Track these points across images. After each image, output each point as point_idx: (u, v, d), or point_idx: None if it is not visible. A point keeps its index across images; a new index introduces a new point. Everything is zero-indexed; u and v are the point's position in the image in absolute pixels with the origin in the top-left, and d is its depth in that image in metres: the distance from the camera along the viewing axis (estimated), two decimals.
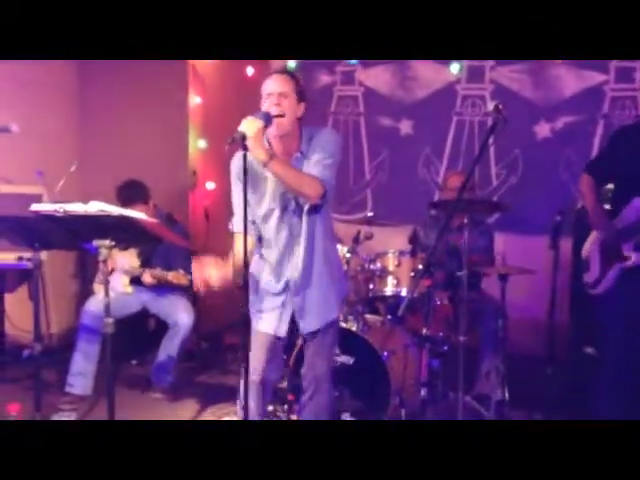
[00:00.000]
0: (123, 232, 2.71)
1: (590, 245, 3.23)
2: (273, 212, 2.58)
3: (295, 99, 2.50)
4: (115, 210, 2.62)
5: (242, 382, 2.46)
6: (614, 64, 4.89)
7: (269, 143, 2.52)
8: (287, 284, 2.64)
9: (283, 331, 2.68)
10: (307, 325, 2.67)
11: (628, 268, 2.98)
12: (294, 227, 2.58)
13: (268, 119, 2.40)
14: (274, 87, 2.48)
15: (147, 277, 3.89)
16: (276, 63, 5.73)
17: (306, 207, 2.55)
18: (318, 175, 2.46)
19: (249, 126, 2.31)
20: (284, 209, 2.57)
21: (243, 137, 2.29)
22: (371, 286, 3.79)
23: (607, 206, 3.20)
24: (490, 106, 2.57)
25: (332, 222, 2.76)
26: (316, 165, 2.48)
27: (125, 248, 3.99)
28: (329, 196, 2.54)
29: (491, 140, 2.59)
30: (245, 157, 2.30)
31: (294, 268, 2.61)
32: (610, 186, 3.22)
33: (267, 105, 2.47)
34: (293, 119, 2.51)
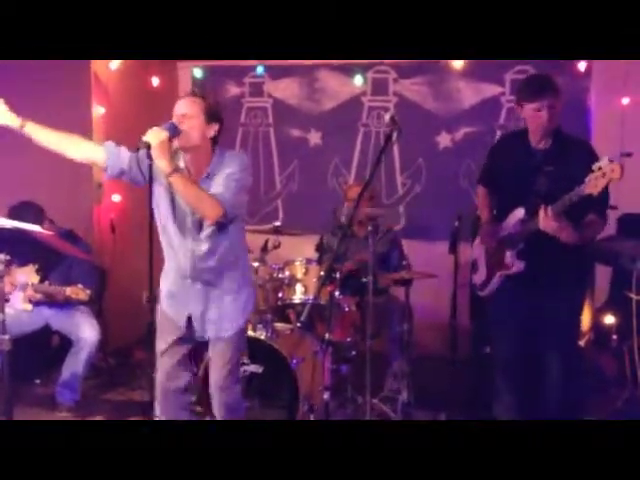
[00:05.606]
0: (18, 245, 2.65)
1: (477, 247, 3.27)
2: (184, 218, 2.62)
3: (203, 120, 2.54)
4: (9, 222, 2.56)
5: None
6: (509, 76, 5.13)
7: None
8: (183, 288, 2.69)
9: None
10: (202, 332, 2.74)
11: (510, 276, 2.99)
12: (195, 236, 2.61)
13: (174, 130, 2.45)
14: (178, 109, 2.56)
15: (29, 291, 3.73)
16: (181, 72, 5.77)
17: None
18: (220, 196, 2.48)
19: (154, 136, 2.37)
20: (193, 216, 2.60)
21: (148, 146, 2.35)
22: (280, 294, 3.83)
23: None
24: (386, 117, 2.67)
25: (243, 237, 2.80)
26: (220, 186, 2.52)
27: (24, 264, 3.86)
28: (239, 214, 2.60)
29: (391, 149, 2.68)
30: (151, 167, 2.36)
31: (192, 274, 2.65)
32: None
33: None
34: (199, 137, 2.54)
